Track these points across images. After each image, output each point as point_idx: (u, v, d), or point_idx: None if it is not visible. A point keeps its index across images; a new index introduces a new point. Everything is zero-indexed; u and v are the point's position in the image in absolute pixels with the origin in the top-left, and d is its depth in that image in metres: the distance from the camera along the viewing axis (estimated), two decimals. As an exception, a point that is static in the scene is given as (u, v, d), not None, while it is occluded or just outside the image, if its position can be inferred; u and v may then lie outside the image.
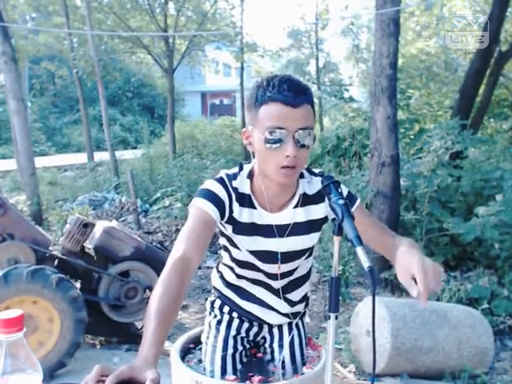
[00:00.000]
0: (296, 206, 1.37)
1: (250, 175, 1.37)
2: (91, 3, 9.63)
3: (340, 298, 1.15)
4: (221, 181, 1.35)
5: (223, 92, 27.73)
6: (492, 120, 9.96)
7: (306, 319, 1.63)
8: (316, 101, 12.45)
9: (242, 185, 1.36)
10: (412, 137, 6.92)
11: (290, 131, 1.19)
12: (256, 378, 1.41)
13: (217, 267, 1.58)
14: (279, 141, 1.20)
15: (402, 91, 7.37)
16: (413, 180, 4.78)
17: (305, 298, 1.57)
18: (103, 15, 10.96)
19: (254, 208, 1.36)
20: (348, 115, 8.14)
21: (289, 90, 1.19)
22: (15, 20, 11.02)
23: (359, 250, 0.95)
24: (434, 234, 4.43)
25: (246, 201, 1.36)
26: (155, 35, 10.90)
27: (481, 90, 7.21)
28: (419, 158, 5.46)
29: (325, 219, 1.41)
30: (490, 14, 6.43)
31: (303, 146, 1.21)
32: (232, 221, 1.35)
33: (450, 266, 4.40)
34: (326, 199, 1.34)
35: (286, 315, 1.52)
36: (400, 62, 8.50)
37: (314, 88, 14.32)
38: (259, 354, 1.59)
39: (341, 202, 1.06)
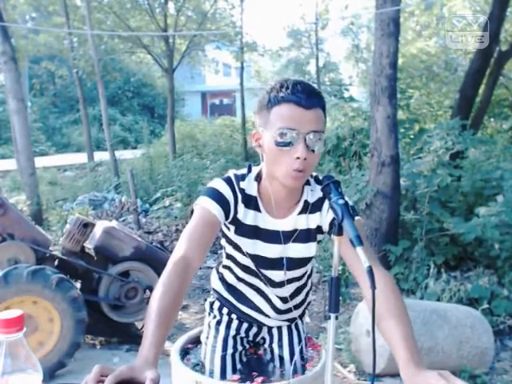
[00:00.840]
0: (300, 213, 1.35)
1: (258, 178, 1.35)
2: (91, 3, 9.63)
3: (340, 297, 1.14)
4: (228, 180, 1.33)
5: (223, 92, 27.72)
6: (492, 120, 9.95)
7: (306, 319, 1.63)
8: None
9: (250, 186, 1.34)
10: (412, 137, 6.92)
11: (301, 133, 1.17)
12: (259, 379, 1.41)
13: (217, 269, 1.58)
14: (290, 142, 1.18)
15: (402, 91, 7.38)
16: (413, 180, 4.78)
17: (304, 305, 1.57)
18: (103, 15, 10.96)
19: (259, 211, 1.35)
20: (348, 115, 8.14)
21: (302, 92, 1.18)
22: (15, 20, 11.02)
23: (359, 250, 0.95)
24: (434, 234, 4.43)
25: (252, 203, 1.34)
26: (155, 35, 10.89)
27: (481, 90, 7.20)
28: (419, 157, 5.46)
29: (319, 230, 1.37)
30: (489, 13, 6.42)
31: (314, 149, 1.19)
32: (236, 222, 1.34)
33: (450, 265, 4.40)
34: (322, 209, 1.33)
35: (283, 319, 1.52)
36: (400, 61, 8.49)
37: (313, 88, 14.30)
38: (259, 353, 1.59)
39: (341, 201, 1.04)
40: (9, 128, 9.09)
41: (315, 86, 1.27)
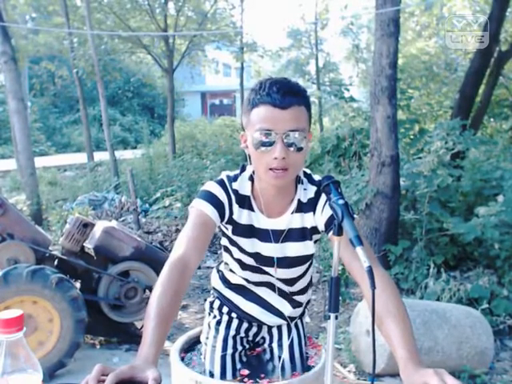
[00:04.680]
0: (294, 212, 1.36)
1: (252, 177, 1.37)
2: (91, 3, 9.63)
3: (340, 297, 1.15)
4: (221, 183, 1.36)
5: (223, 92, 27.74)
6: (492, 120, 9.95)
7: (306, 319, 1.64)
8: (316, 101, 12.44)
9: (243, 186, 1.36)
10: (412, 137, 6.92)
11: (278, 133, 1.19)
12: (264, 381, 1.41)
13: (217, 268, 1.59)
14: (268, 143, 1.20)
15: (402, 91, 7.37)
16: (413, 180, 4.77)
17: (304, 304, 1.58)
18: (103, 15, 10.95)
19: (253, 211, 1.37)
20: (348, 115, 8.13)
21: (277, 92, 1.20)
22: (15, 20, 11.01)
23: (359, 250, 0.95)
24: (433, 234, 4.43)
25: (245, 203, 1.36)
26: (155, 35, 10.89)
27: (481, 90, 7.21)
28: (419, 158, 5.46)
29: (315, 230, 1.38)
30: (489, 13, 6.43)
31: (295, 148, 1.21)
32: (232, 222, 1.36)
33: (449, 265, 4.40)
34: (316, 210, 1.34)
35: (285, 318, 1.53)
36: (400, 62, 8.49)
37: (313, 88, 14.33)
38: (259, 353, 1.59)
39: (341, 201, 1.04)
40: (9, 128, 9.09)
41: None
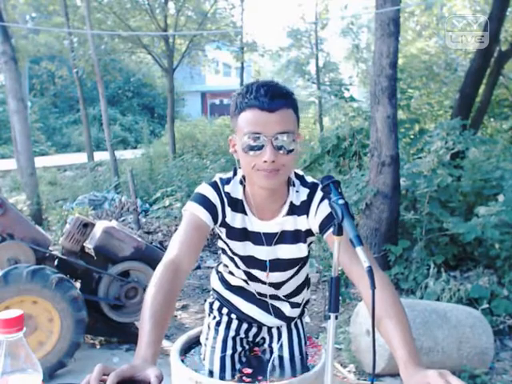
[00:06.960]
0: (286, 215, 1.36)
1: (242, 181, 1.37)
2: (91, 3, 9.63)
3: (340, 297, 1.15)
4: (214, 185, 1.36)
5: (223, 92, 27.72)
6: (492, 120, 9.95)
7: (306, 319, 1.64)
8: (316, 100, 12.43)
9: (235, 190, 1.36)
10: (412, 137, 6.92)
11: (267, 136, 1.19)
12: (264, 382, 1.41)
13: (216, 269, 1.59)
14: (258, 146, 1.20)
15: (402, 91, 7.36)
16: (413, 180, 4.77)
17: (302, 304, 1.57)
18: (103, 15, 10.95)
19: (246, 214, 1.37)
20: (348, 115, 8.12)
21: (265, 96, 1.19)
22: (15, 20, 11.01)
23: (359, 250, 0.95)
24: (433, 234, 4.42)
25: (238, 206, 1.36)
26: (155, 35, 10.89)
27: (481, 90, 7.21)
28: (419, 158, 5.46)
29: (309, 232, 1.37)
30: (489, 14, 6.43)
31: (285, 151, 1.20)
32: (225, 225, 1.36)
33: (449, 265, 4.40)
34: (309, 212, 1.34)
35: (284, 318, 1.53)
36: (400, 61, 8.48)
37: (313, 88, 14.33)
38: (258, 354, 1.59)
39: (341, 201, 1.04)
40: (9, 128, 9.07)
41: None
